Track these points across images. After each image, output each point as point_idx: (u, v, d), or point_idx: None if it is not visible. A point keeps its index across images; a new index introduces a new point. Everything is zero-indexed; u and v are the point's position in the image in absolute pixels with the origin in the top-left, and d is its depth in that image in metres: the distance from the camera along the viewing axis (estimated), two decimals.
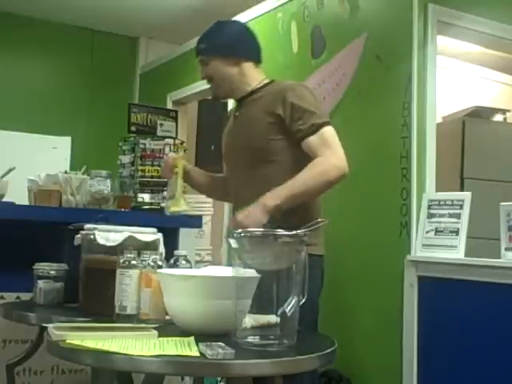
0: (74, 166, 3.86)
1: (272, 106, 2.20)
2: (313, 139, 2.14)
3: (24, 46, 5.39)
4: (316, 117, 2.17)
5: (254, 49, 2.37)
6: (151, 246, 1.94)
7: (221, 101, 2.45)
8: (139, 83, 5.94)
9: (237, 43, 2.33)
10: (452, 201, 2.80)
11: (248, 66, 2.32)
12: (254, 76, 2.33)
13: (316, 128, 2.15)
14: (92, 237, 1.96)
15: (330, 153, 2.13)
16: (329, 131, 2.18)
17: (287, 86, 2.26)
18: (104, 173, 2.86)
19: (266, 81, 2.34)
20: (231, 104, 4.12)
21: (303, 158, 2.16)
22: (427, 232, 2.83)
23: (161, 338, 1.47)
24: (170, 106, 5.12)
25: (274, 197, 2.05)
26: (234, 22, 2.42)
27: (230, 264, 2.22)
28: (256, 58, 2.36)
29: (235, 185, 2.34)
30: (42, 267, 2.14)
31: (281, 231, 1.51)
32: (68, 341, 1.40)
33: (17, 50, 5.40)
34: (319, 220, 1.76)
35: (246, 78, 2.31)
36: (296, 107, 2.16)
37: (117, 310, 1.76)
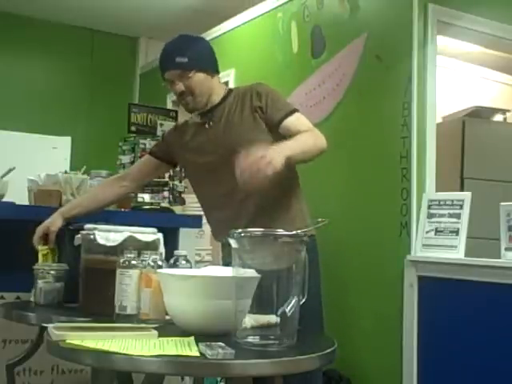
0: (74, 166, 3.85)
1: (248, 101, 2.30)
2: (291, 119, 2.27)
3: (24, 46, 5.39)
4: (289, 105, 2.33)
5: (217, 62, 2.43)
6: (151, 246, 1.94)
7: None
8: (139, 83, 5.94)
9: (211, 56, 2.39)
10: (452, 201, 2.80)
11: (218, 79, 2.40)
12: (221, 86, 2.41)
13: (290, 112, 2.28)
14: (92, 237, 1.96)
15: (312, 128, 2.26)
16: (302, 115, 2.32)
17: (254, 84, 2.38)
18: (104, 173, 2.86)
19: (227, 89, 2.43)
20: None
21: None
22: (427, 232, 2.83)
23: (161, 338, 1.47)
24: (169, 106, 5.11)
25: (286, 147, 2.05)
26: (197, 36, 2.46)
27: (225, 263, 2.25)
28: (218, 70, 2.43)
29: (224, 189, 2.31)
30: (41, 267, 2.14)
31: (281, 231, 1.51)
32: (68, 341, 1.40)
33: (17, 49, 5.40)
34: (319, 220, 1.77)
35: (217, 89, 2.38)
36: (271, 97, 2.29)
37: (117, 310, 1.76)
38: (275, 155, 1.93)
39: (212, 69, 2.36)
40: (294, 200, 2.32)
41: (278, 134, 2.25)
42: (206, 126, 2.37)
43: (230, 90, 2.42)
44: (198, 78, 2.31)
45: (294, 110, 2.29)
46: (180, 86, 2.32)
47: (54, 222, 2.30)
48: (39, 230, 2.29)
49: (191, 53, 2.32)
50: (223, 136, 2.32)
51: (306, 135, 2.19)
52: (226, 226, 2.35)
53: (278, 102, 2.30)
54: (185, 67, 2.30)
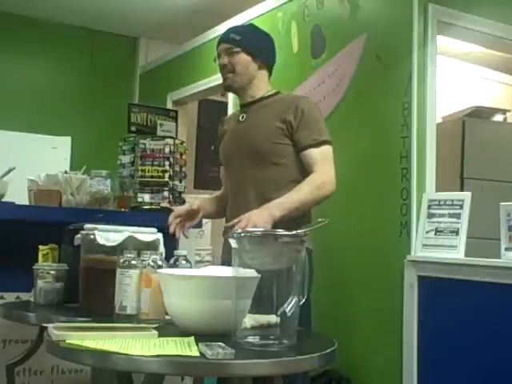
0: (74, 166, 3.85)
1: (284, 112, 2.31)
2: (313, 152, 2.27)
3: (24, 46, 5.39)
4: (321, 133, 2.30)
5: (273, 61, 2.49)
6: (151, 246, 1.94)
7: (229, 92, 2.50)
8: (139, 83, 5.94)
9: (266, 49, 2.46)
10: (452, 201, 2.80)
11: (264, 74, 2.44)
12: (265, 84, 2.45)
13: (318, 143, 2.28)
14: (92, 237, 1.96)
15: (327, 169, 2.26)
16: (328, 150, 2.31)
17: (299, 97, 2.45)
18: (104, 173, 2.86)
19: (273, 91, 2.46)
20: (230, 106, 4.14)
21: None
22: (427, 232, 2.83)
23: (161, 338, 1.47)
24: (170, 105, 5.12)
25: (279, 208, 2.13)
26: (266, 32, 2.56)
27: (223, 263, 2.26)
28: (271, 70, 2.49)
29: (237, 184, 2.38)
30: (41, 267, 2.14)
31: (281, 231, 1.51)
32: (68, 341, 1.40)
33: (17, 50, 5.39)
34: (319, 220, 1.77)
35: (260, 83, 2.42)
36: (306, 116, 2.29)
37: (117, 310, 1.76)
38: (259, 220, 2.03)
39: (261, 60, 2.41)
40: None
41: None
42: (241, 118, 2.44)
43: (277, 93, 2.46)
44: (244, 58, 2.37)
45: (322, 143, 2.28)
46: (224, 60, 2.39)
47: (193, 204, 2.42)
48: (182, 209, 2.39)
49: (247, 35, 2.41)
50: (247, 133, 2.38)
51: (311, 185, 2.21)
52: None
53: (310, 127, 2.29)
54: (234, 43, 2.39)
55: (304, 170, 2.29)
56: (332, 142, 2.33)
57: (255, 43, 2.42)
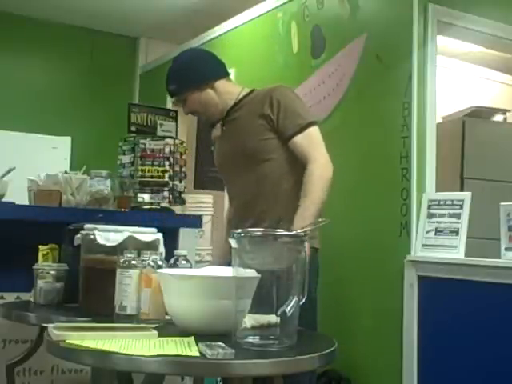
0: (74, 166, 3.86)
1: (260, 108, 2.28)
2: (299, 139, 2.24)
3: (24, 46, 5.39)
4: (301, 117, 2.27)
5: (218, 66, 2.44)
6: (151, 246, 1.94)
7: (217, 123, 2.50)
8: (139, 83, 5.94)
9: (203, 70, 2.40)
10: (452, 201, 2.80)
11: (221, 84, 2.39)
12: (230, 89, 2.41)
13: (302, 128, 2.24)
14: (92, 237, 1.96)
15: (318, 153, 2.22)
16: (314, 131, 2.27)
17: (271, 88, 2.35)
18: (104, 173, 2.86)
19: (247, 90, 2.42)
20: None
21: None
22: (427, 232, 2.83)
23: (161, 338, 1.47)
24: (170, 106, 5.11)
25: (303, 221, 2.09)
26: (188, 50, 2.56)
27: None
28: (224, 74, 2.44)
29: (233, 188, 2.39)
30: (41, 267, 2.14)
31: (281, 231, 1.51)
32: (68, 341, 1.40)
33: (17, 50, 5.39)
34: (319, 220, 1.78)
35: (224, 94, 2.38)
36: (282, 106, 2.25)
37: (117, 310, 1.75)
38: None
39: (207, 81, 2.36)
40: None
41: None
42: (224, 127, 2.43)
43: (252, 91, 2.42)
44: (193, 97, 2.36)
45: (305, 126, 2.24)
46: (184, 109, 2.43)
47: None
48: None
49: (177, 78, 2.39)
50: (232, 137, 2.37)
51: (314, 186, 2.16)
52: (235, 226, 2.39)
53: (290, 115, 2.25)
54: (176, 94, 2.41)
55: (293, 161, 2.27)
56: (316, 122, 2.30)
57: (190, 78, 2.37)
